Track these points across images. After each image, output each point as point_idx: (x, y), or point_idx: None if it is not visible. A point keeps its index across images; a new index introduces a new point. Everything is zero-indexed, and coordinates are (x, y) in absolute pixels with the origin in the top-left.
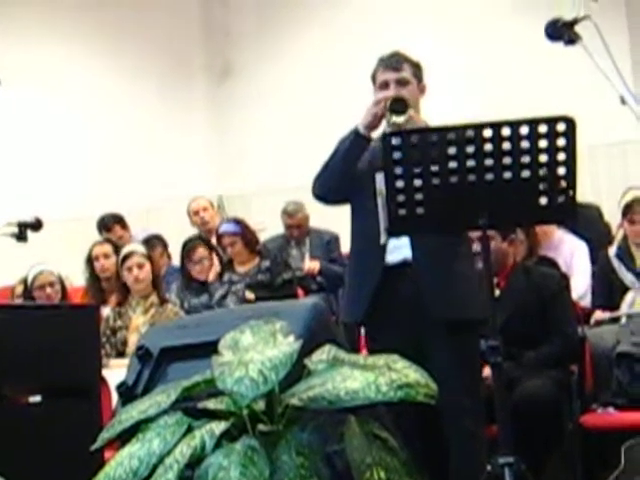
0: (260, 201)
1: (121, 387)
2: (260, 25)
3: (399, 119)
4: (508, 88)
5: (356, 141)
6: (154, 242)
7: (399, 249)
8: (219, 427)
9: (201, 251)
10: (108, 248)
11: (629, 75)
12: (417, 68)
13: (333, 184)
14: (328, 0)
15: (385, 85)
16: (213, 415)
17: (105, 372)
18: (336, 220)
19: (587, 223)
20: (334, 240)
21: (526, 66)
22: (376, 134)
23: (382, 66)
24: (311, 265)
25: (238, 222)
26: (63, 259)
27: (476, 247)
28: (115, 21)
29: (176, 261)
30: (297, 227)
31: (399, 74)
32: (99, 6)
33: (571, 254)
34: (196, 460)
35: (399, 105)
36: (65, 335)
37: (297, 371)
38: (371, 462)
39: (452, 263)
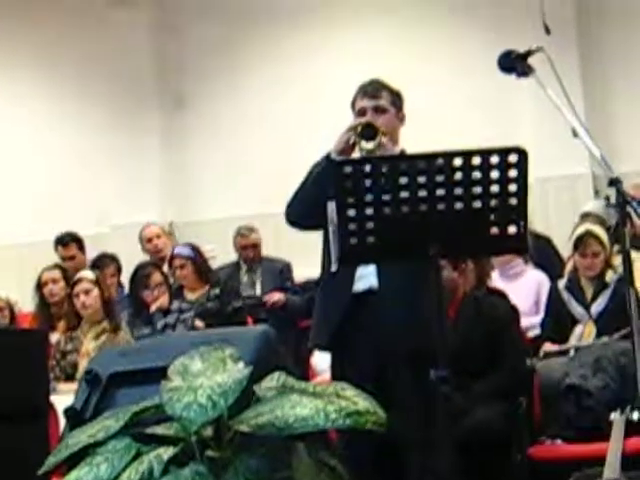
0: (210, 230)
1: (69, 411)
2: (213, 55)
3: (368, 145)
4: (460, 119)
5: (327, 166)
6: (105, 262)
7: (366, 277)
8: (167, 452)
9: (157, 277)
10: (56, 273)
11: (580, 108)
12: (397, 96)
13: (305, 209)
14: (284, 35)
15: (362, 112)
16: (162, 440)
17: (54, 397)
18: (288, 250)
19: (539, 254)
20: (287, 268)
21: (478, 98)
22: None
23: (361, 93)
24: (275, 297)
25: (192, 247)
26: (12, 285)
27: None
28: (67, 50)
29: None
30: (252, 247)
31: (376, 102)
32: (54, 37)
33: (537, 290)
34: None
35: (369, 131)
36: (13, 360)
37: (246, 397)
38: None
39: (417, 291)
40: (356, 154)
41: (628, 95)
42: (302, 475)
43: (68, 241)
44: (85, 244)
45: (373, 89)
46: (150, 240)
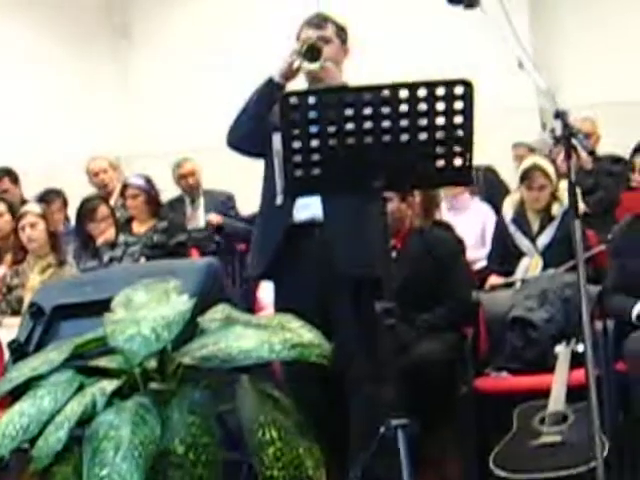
0: (158, 163)
1: (13, 344)
2: None
3: (312, 66)
4: (406, 52)
5: (269, 88)
6: (52, 197)
7: (307, 207)
8: (111, 385)
9: (103, 210)
10: (2, 207)
11: (527, 41)
12: (341, 30)
13: (246, 133)
14: None
15: None
16: (105, 373)
17: None
18: (231, 182)
19: (486, 185)
20: (229, 199)
21: (424, 30)
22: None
23: (306, 24)
24: (212, 217)
25: (146, 179)
26: None
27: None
28: None
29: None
30: (190, 175)
31: (321, 31)
32: None
33: (483, 223)
34: (87, 418)
35: (312, 52)
36: None
37: (190, 330)
38: (263, 421)
39: (362, 221)
40: (301, 82)
41: (575, 28)
42: (246, 407)
43: (1, 175)
44: (27, 177)
45: (318, 20)
46: (97, 174)
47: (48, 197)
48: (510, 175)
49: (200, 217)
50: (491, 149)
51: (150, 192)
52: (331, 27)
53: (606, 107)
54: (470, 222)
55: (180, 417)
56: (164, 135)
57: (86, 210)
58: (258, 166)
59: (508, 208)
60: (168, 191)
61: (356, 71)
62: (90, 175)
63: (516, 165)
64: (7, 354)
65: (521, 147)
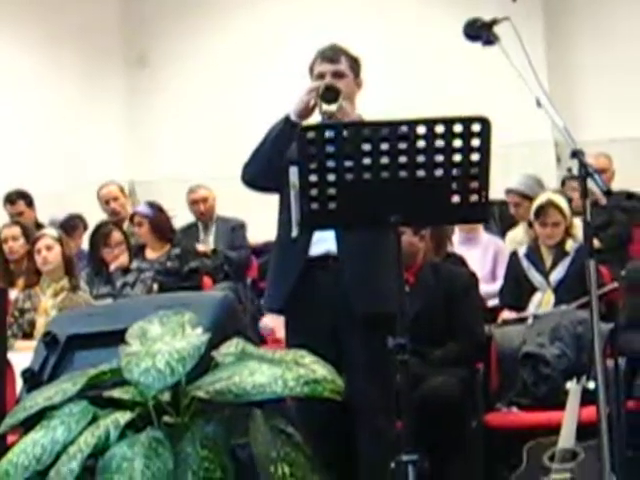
0: (171, 189)
1: (26, 373)
2: (177, 16)
3: (330, 108)
4: (425, 87)
5: (286, 128)
6: (76, 222)
7: (323, 241)
8: (124, 417)
9: (117, 235)
10: (17, 230)
11: (544, 76)
12: (355, 62)
13: (262, 170)
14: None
15: (321, 77)
16: (119, 405)
17: (10, 354)
18: (245, 210)
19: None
20: (239, 227)
21: (444, 65)
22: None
23: (319, 57)
24: (200, 246)
25: (153, 206)
26: None
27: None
28: (31, 6)
29: (85, 246)
30: (203, 201)
31: (335, 66)
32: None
33: (495, 257)
34: (100, 450)
35: (331, 94)
36: None
37: (204, 363)
38: (276, 457)
39: (377, 256)
40: (316, 117)
41: (592, 63)
42: (259, 442)
43: (15, 198)
44: (43, 202)
45: (332, 53)
46: (107, 202)
47: (73, 222)
48: None
49: (211, 244)
50: (505, 183)
51: (156, 219)
52: (345, 60)
53: (621, 143)
54: (482, 256)
55: (193, 451)
56: (182, 161)
57: (100, 235)
58: (273, 196)
59: (510, 243)
60: (184, 217)
61: (373, 105)
62: (102, 202)
63: (513, 211)
64: (20, 380)
65: (511, 194)
